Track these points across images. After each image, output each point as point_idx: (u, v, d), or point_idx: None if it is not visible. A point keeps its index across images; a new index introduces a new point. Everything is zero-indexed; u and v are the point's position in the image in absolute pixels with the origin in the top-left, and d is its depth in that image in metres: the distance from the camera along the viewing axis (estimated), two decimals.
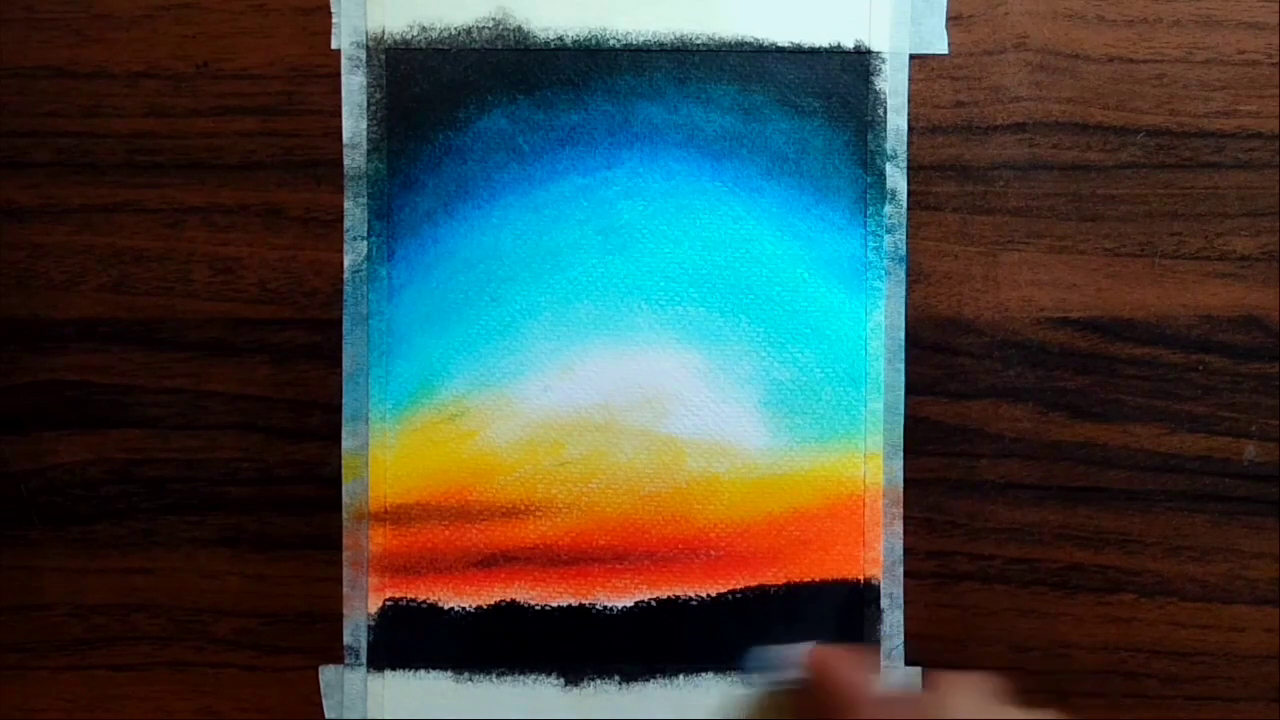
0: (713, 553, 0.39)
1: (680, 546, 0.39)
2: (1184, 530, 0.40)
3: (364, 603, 0.39)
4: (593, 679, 0.39)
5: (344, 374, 0.39)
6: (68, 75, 0.39)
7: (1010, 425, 0.39)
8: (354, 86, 0.39)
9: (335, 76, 0.39)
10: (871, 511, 0.39)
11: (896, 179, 0.39)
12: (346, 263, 0.39)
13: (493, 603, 0.39)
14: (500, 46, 0.39)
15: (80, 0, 0.39)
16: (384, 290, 0.39)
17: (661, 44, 0.39)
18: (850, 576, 0.39)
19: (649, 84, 0.39)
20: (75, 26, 0.39)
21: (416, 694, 0.39)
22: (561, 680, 0.39)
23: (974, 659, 0.39)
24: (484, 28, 0.39)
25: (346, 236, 0.39)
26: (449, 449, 0.39)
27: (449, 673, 0.39)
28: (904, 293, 0.39)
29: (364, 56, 0.39)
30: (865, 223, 0.39)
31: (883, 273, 0.39)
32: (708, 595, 0.39)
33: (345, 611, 0.39)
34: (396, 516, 0.39)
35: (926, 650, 0.39)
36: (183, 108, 0.39)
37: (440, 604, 0.39)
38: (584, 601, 0.39)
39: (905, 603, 0.39)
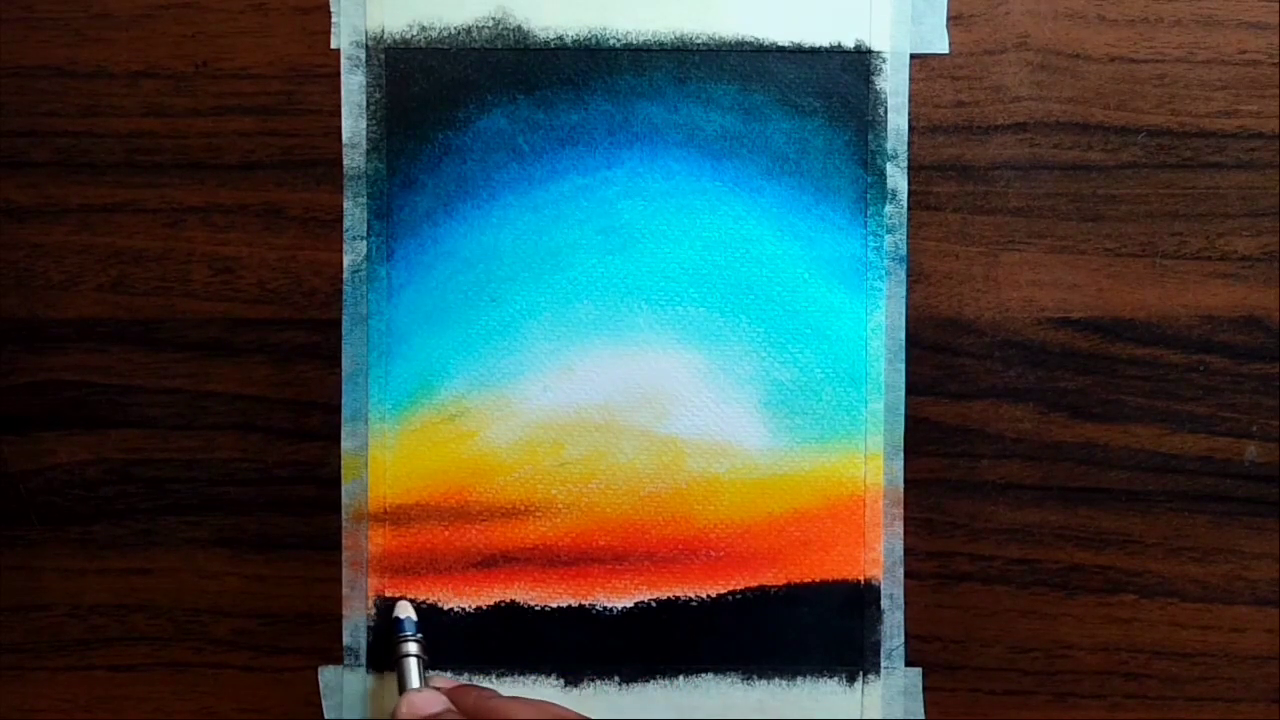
0: (713, 553, 0.39)
1: (680, 547, 0.39)
2: (1185, 531, 0.40)
3: (363, 603, 0.39)
4: (593, 679, 0.39)
5: (343, 374, 0.39)
6: (67, 75, 0.39)
7: (1011, 426, 0.39)
8: (353, 86, 0.39)
9: (335, 76, 0.39)
10: (872, 512, 0.39)
11: (897, 179, 0.39)
12: (346, 263, 0.39)
13: (492, 603, 0.39)
14: (500, 46, 0.39)
15: (79, 0, 0.39)
16: (383, 290, 0.39)
17: (661, 44, 0.39)
18: (851, 577, 0.39)
19: (649, 84, 0.39)
20: (74, 26, 0.39)
21: None
22: (561, 680, 0.39)
23: (974, 659, 0.39)
24: (484, 27, 0.39)
25: (346, 236, 0.39)
26: (449, 449, 0.39)
27: (449, 673, 0.39)
28: (904, 293, 0.39)
29: (363, 56, 0.39)
30: (865, 223, 0.39)
31: (883, 273, 0.39)
32: (708, 595, 0.39)
33: (345, 612, 0.39)
34: (396, 517, 0.39)
35: (927, 651, 0.39)
36: (182, 107, 0.39)
37: (440, 604, 0.39)
38: (584, 602, 0.39)
39: (906, 603, 0.39)
